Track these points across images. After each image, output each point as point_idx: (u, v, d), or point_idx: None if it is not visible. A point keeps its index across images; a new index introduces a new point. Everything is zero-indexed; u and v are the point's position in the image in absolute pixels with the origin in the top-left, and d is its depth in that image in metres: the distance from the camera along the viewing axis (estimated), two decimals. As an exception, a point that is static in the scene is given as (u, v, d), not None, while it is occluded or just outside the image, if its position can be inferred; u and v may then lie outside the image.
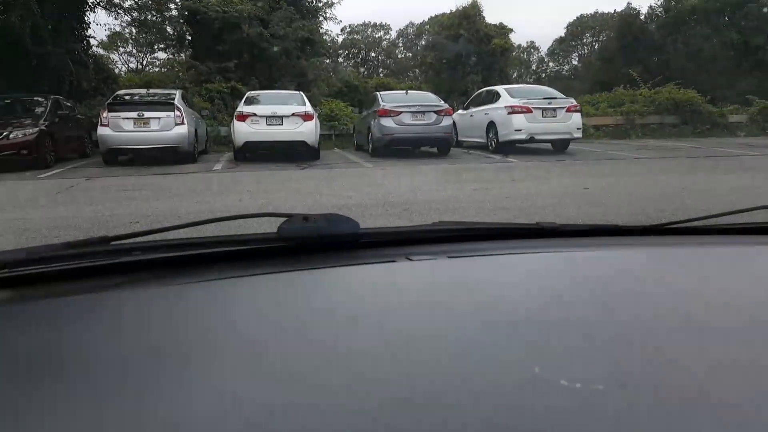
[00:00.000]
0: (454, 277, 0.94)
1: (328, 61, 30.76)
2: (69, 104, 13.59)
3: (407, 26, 59.32)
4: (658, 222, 1.24)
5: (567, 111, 12.47)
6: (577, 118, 12.59)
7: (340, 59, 50.46)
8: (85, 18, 18.78)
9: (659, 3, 35.41)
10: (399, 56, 58.58)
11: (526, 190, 7.33)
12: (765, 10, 29.08)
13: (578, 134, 12.65)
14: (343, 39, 54.22)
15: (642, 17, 35.40)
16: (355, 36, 57.20)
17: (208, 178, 9.63)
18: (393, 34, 60.11)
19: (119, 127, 10.83)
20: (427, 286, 0.90)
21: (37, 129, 10.85)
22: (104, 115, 10.98)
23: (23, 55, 15.17)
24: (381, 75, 45.12)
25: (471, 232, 1.18)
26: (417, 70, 46.68)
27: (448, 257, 1.00)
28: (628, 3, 36.28)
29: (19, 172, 10.09)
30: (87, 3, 18.82)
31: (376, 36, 59.36)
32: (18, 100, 12.40)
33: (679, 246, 1.16)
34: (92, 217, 5.61)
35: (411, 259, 0.99)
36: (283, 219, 0.97)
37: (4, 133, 10.44)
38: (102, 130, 10.92)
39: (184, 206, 6.35)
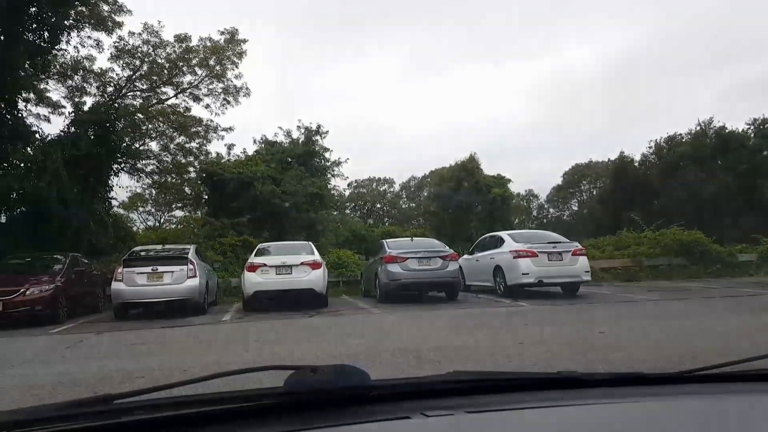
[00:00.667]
0: None
1: (336, 213, 32.04)
2: (86, 261, 13.95)
3: (410, 179, 62.70)
4: (681, 367, 1.20)
5: (573, 254, 12.50)
6: (584, 261, 12.60)
7: (348, 211, 52.56)
8: (109, 182, 20.03)
9: (651, 150, 37.57)
10: (403, 206, 61.07)
11: (540, 335, 7.14)
12: (765, 153, 30.41)
13: (587, 277, 12.56)
14: (350, 193, 57.08)
15: (636, 164, 37.28)
16: (361, 190, 60.14)
17: (216, 329, 9.54)
18: (396, 186, 63.30)
19: (133, 282, 11.02)
20: None
21: (53, 286, 11.03)
22: (119, 270, 11.24)
23: (47, 216, 15.97)
24: (386, 224, 46.60)
25: (489, 384, 1.14)
26: (421, 219, 48.32)
27: (467, 412, 0.96)
28: (621, 151, 38.50)
29: (31, 327, 10.08)
30: (112, 169, 20.18)
31: (381, 189, 62.40)
32: (38, 258, 12.79)
33: (709, 396, 1.12)
34: (98, 373, 5.50)
35: (427, 415, 0.94)
36: (290, 372, 0.96)
37: (21, 290, 10.59)
38: (116, 285, 11.10)
39: (190, 359, 6.23)
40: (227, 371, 1.06)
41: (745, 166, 30.34)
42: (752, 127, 33.58)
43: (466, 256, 15.30)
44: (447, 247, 13.33)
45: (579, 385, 1.14)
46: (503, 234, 14.18)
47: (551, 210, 60.30)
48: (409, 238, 15.11)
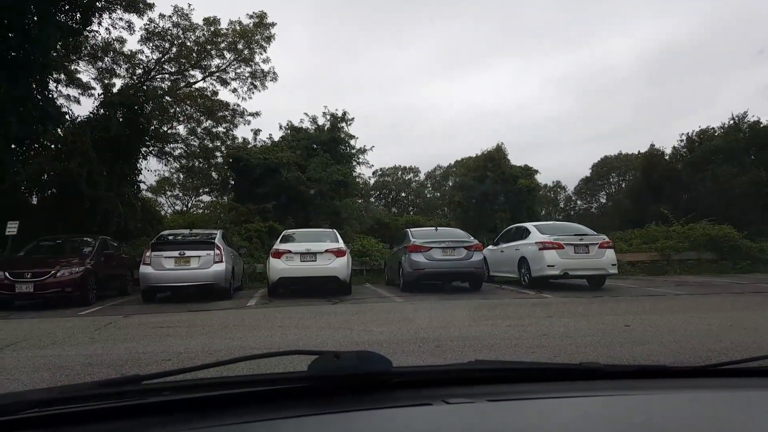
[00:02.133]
0: (496, 424, 0.89)
1: (360, 201, 32.10)
2: (115, 244, 14.23)
3: (435, 169, 62.48)
4: (707, 362, 1.19)
5: (600, 247, 12.34)
6: (611, 254, 12.42)
7: (372, 199, 52.66)
8: (138, 165, 20.34)
9: (683, 144, 36.65)
10: (428, 196, 60.91)
11: (564, 327, 7.06)
12: None
13: (613, 270, 12.40)
14: (375, 181, 57.11)
15: (666, 157, 36.42)
16: (386, 178, 60.13)
17: (241, 314, 9.66)
18: (422, 175, 63.15)
19: (160, 266, 11.22)
20: None
21: (83, 268, 11.29)
22: (147, 254, 11.46)
23: (78, 197, 16.28)
24: (411, 213, 46.52)
25: (511, 373, 1.14)
26: (446, 208, 48.13)
27: (488, 400, 0.96)
28: (651, 144, 37.66)
29: (61, 308, 10.38)
30: (140, 152, 20.48)
31: (406, 178, 62.30)
32: (69, 240, 13.09)
33: (732, 389, 1.10)
34: (126, 355, 5.62)
35: (448, 402, 0.94)
36: (314, 357, 0.97)
37: (51, 272, 10.88)
38: (144, 269, 11.32)
39: (216, 343, 6.32)
40: (252, 355, 1.08)
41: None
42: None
43: (490, 247, 15.24)
44: (471, 238, 13.27)
45: (600, 377, 1.14)
46: (529, 225, 14.04)
47: (579, 202, 59.48)
48: (434, 228, 15.06)
